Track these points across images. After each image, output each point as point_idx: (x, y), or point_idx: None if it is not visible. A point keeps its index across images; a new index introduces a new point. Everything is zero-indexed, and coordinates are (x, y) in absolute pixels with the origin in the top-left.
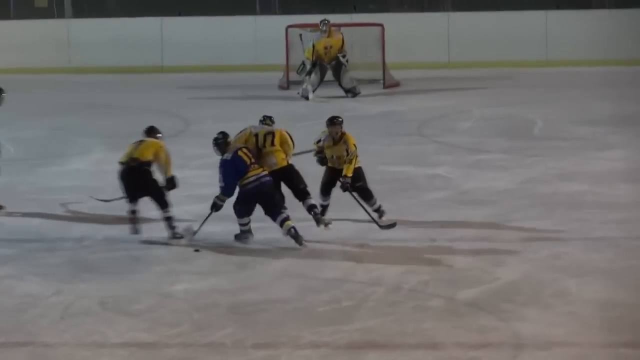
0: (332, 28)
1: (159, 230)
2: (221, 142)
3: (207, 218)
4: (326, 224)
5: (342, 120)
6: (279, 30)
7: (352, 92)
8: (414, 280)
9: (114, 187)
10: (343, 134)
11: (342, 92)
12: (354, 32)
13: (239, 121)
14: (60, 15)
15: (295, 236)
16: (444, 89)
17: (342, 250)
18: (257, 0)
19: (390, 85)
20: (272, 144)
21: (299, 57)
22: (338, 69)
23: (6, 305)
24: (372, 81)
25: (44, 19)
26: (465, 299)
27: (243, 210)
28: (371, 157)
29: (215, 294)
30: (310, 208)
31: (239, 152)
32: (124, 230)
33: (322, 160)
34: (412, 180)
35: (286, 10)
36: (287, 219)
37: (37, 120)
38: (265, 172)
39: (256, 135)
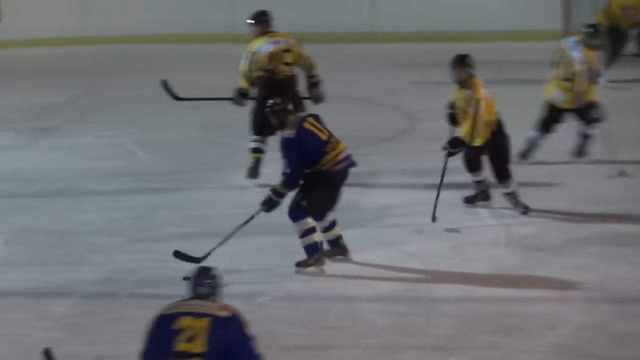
0: None
1: None
2: (279, 109)
3: (247, 221)
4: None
5: (469, 62)
6: None
7: None
8: None
9: None
10: (470, 77)
11: None
12: None
13: None
14: None
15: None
16: None
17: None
18: None
19: None
20: None
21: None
22: None
23: None
24: None
25: None
26: None
27: (327, 204)
28: None
29: None
30: None
31: (306, 124)
32: None
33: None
34: None
35: None
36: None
37: (182, 114)
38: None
39: None
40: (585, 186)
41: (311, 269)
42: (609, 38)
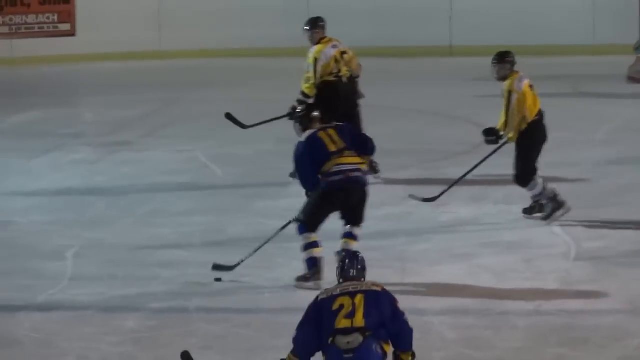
0: None
1: None
2: (303, 116)
3: (283, 228)
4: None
5: (509, 59)
6: None
7: None
8: None
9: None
10: (512, 73)
11: None
12: None
13: (565, 130)
14: None
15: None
16: None
17: None
18: None
19: None
20: None
21: None
22: None
23: None
24: None
25: None
26: None
27: (313, 214)
28: None
29: None
30: None
31: (320, 133)
32: None
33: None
34: None
35: None
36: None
37: (258, 128)
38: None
39: None
40: None
41: (309, 284)
42: None
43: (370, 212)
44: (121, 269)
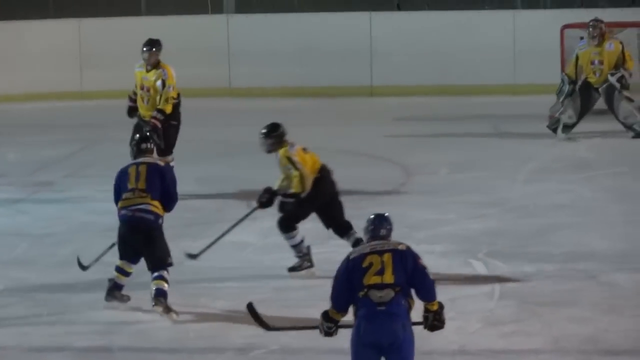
0: (607, 32)
1: None
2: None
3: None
4: None
5: (275, 133)
6: (546, 31)
7: (634, 131)
8: None
9: None
10: (283, 144)
11: (620, 127)
12: None
13: (487, 170)
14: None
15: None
16: None
17: None
18: None
19: None
20: None
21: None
22: (611, 93)
23: None
24: None
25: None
26: None
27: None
28: None
29: None
30: None
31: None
32: None
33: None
34: None
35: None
36: None
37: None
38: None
39: None
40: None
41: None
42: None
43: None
44: (45, 309)
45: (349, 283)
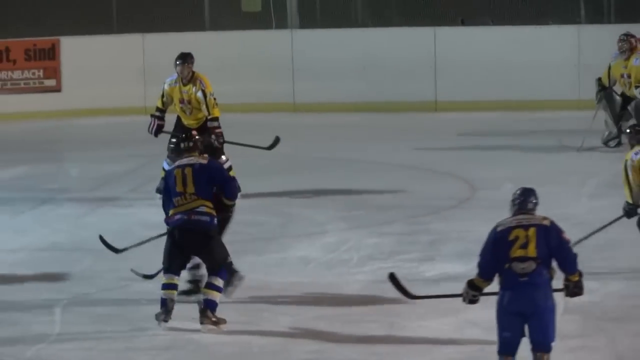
0: (637, 46)
1: None
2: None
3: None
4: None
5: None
6: (611, 45)
7: None
8: None
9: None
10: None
11: None
12: None
13: (552, 185)
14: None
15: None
16: None
17: None
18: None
19: None
20: None
21: None
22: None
23: None
24: None
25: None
26: None
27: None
28: None
29: None
30: None
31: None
32: None
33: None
34: None
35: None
36: None
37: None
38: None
39: None
40: None
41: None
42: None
43: (357, 267)
44: (108, 324)
45: (494, 254)
